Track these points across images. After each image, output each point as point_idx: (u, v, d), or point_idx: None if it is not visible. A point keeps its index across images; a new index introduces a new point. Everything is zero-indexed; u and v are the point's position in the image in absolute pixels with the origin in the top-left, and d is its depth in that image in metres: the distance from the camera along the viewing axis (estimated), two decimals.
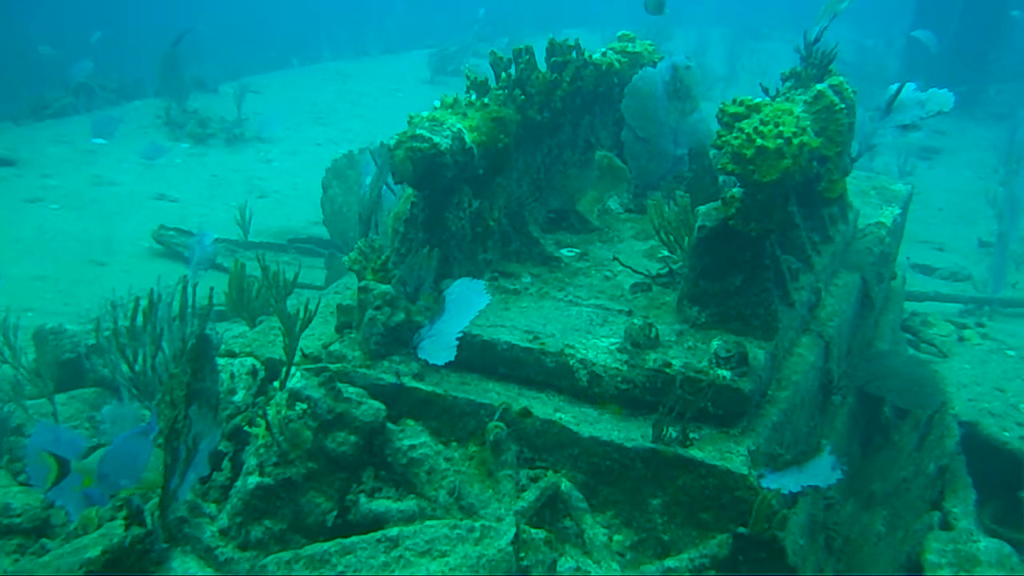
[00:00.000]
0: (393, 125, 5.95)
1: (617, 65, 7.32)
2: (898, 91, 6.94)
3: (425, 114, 5.45)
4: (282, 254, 10.96)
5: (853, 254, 7.38)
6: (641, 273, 5.88)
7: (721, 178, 5.95)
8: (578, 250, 6.46)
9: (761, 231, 5.08)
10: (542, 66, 6.47)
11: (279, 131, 15.41)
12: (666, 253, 6.11)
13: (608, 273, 6.12)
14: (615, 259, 6.00)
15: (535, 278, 6.01)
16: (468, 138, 5.41)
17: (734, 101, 5.35)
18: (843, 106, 5.94)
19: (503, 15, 26.71)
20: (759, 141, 4.79)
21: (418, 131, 5.25)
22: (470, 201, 5.72)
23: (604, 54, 7.36)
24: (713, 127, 7.13)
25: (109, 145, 14.00)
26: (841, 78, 6.62)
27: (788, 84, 6.84)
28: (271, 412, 4.76)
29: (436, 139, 5.24)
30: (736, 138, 4.89)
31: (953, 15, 23.07)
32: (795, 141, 4.82)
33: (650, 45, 7.89)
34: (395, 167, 5.23)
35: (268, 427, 4.63)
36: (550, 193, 6.59)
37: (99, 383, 7.53)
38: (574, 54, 6.72)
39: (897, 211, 8.46)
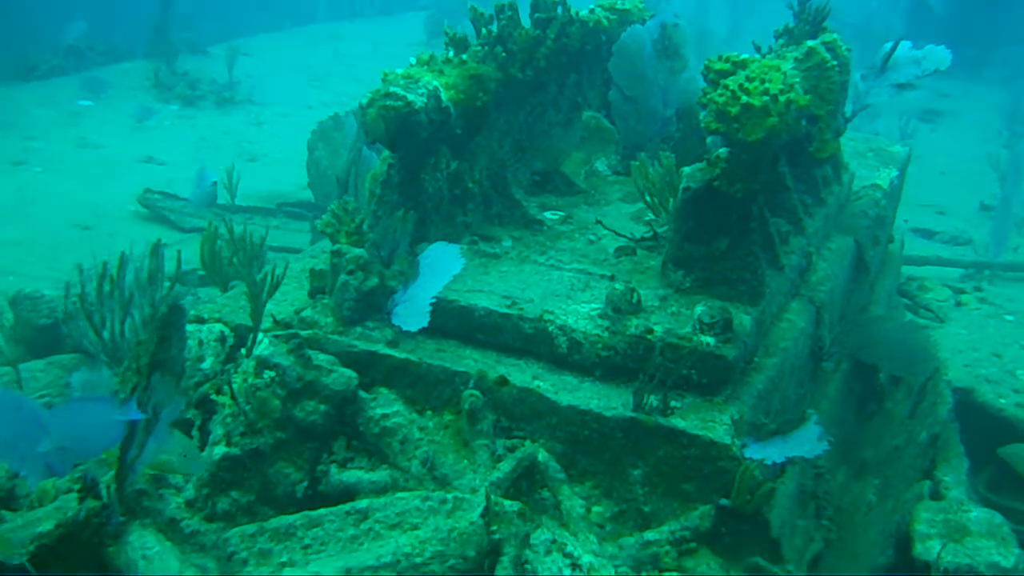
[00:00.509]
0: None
1: (605, 23, 7.10)
2: (892, 49, 6.72)
3: (400, 71, 5.25)
4: (271, 218, 10.78)
5: (847, 217, 7.19)
6: (625, 236, 5.70)
7: (709, 139, 5.76)
8: (562, 213, 6.27)
9: (747, 192, 4.90)
10: (526, 23, 6.27)
11: (271, 93, 15.17)
12: (652, 216, 5.93)
13: (592, 237, 5.94)
14: (598, 222, 5.81)
15: (516, 241, 5.83)
16: (444, 96, 5.21)
17: (720, 57, 5.15)
18: (835, 63, 5.74)
19: None
20: (744, 98, 4.59)
21: (391, 89, 5.06)
22: (448, 162, 5.53)
23: (592, 11, 7.14)
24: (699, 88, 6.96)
25: (96, 107, 13.79)
26: (835, 35, 6.41)
27: (780, 42, 6.63)
28: (238, 380, 4.61)
29: (410, 97, 5.05)
30: (721, 95, 4.70)
31: None
32: (782, 98, 4.62)
33: (640, 2, 7.66)
34: (367, 126, 5.04)
35: (233, 396, 4.48)
36: (533, 154, 6.40)
37: (77, 349, 7.37)
38: (559, 10, 6.50)
39: (894, 173, 8.26)
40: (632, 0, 7.61)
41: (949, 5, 21.34)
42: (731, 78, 4.84)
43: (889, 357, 6.25)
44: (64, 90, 14.55)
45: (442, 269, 4.95)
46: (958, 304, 8.77)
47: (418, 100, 5.05)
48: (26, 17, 20.56)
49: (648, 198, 5.52)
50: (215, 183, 8.60)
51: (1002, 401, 6.85)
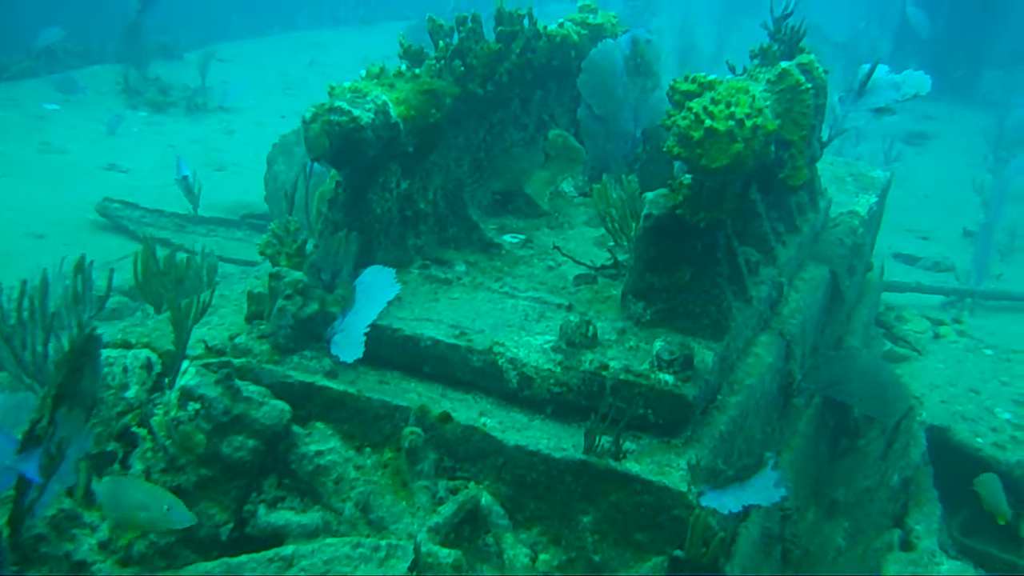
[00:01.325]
0: None
1: (576, 37, 6.81)
2: (870, 72, 6.45)
3: (347, 84, 4.96)
4: (235, 230, 10.46)
5: (823, 245, 6.92)
6: (584, 265, 5.39)
7: (677, 162, 5.48)
8: (523, 236, 5.98)
9: (712, 221, 4.61)
10: (492, 36, 5.99)
11: (244, 101, 14.81)
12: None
13: (552, 263, 5.64)
14: (555, 248, 5.51)
15: (471, 266, 5.53)
16: (394, 112, 4.91)
17: (686, 78, 4.87)
18: (809, 86, 5.46)
19: None
20: (708, 122, 4.30)
21: (337, 103, 4.76)
22: (398, 181, 5.23)
23: (561, 25, 6.86)
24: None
25: (62, 111, 13.43)
26: (811, 56, 6.13)
27: (756, 62, 6.35)
28: (159, 413, 4.29)
29: (356, 112, 4.74)
30: (684, 118, 4.41)
31: None
32: (748, 123, 4.34)
33: (613, 17, 7.38)
34: (310, 142, 4.74)
35: (151, 431, 4.16)
36: (492, 174, 6.10)
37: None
38: (526, 23, 6.22)
39: (873, 199, 8.00)
40: (605, 14, 7.34)
41: (935, 27, 21.13)
42: (696, 100, 4.55)
43: (860, 396, 5.97)
44: (32, 93, 14.18)
45: (376, 295, 4.65)
46: (937, 336, 8.48)
47: (365, 116, 4.75)
48: (3, 19, 20.23)
49: (609, 224, 5.22)
50: (186, 177, 8.32)
51: (979, 440, 6.56)
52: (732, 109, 4.33)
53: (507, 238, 5.90)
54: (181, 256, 8.48)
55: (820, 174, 7.05)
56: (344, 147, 4.73)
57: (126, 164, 11.94)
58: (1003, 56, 23.42)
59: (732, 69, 6.47)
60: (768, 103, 4.94)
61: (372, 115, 4.78)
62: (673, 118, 4.62)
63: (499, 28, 5.95)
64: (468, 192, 5.84)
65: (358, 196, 5.06)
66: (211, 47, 17.54)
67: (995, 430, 6.68)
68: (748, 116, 4.38)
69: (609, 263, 5.35)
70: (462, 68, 5.49)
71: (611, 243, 5.68)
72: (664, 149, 4.49)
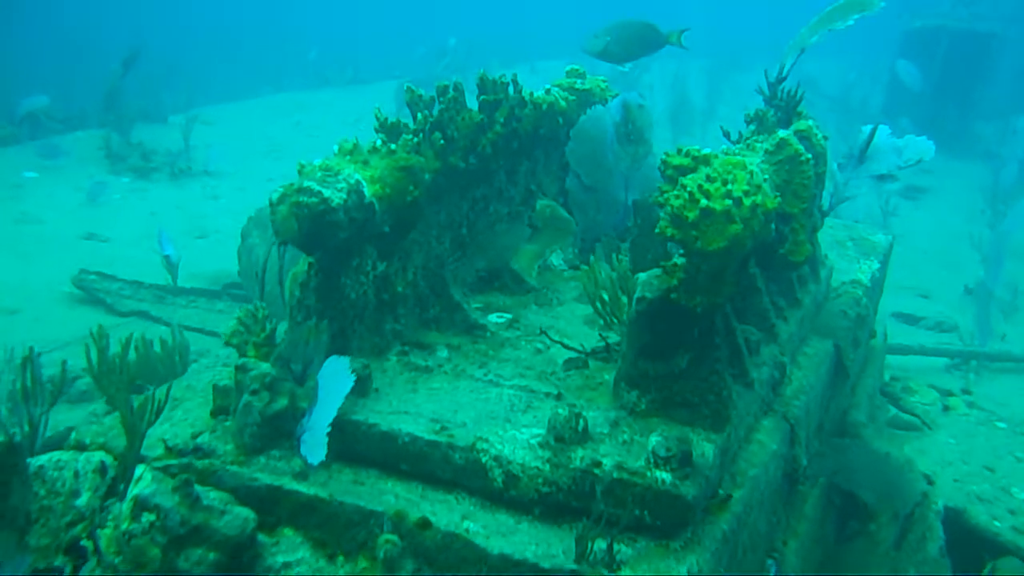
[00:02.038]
0: None
1: (563, 104, 6.54)
2: (871, 136, 6.17)
3: (317, 162, 4.65)
4: (216, 301, 10.13)
5: (826, 317, 6.59)
6: (574, 349, 5.05)
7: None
8: (509, 316, 5.64)
9: (709, 306, 4.28)
10: (475, 104, 5.71)
11: (229, 165, 14.53)
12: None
13: (540, 345, 5.30)
14: (543, 333, 5.17)
15: (454, 351, 5.19)
16: (368, 191, 4.60)
17: (679, 151, 4.57)
18: (809, 156, 5.16)
19: (478, 45, 26.01)
20: (704, 201, 3.99)
21: (306, 183, 4.45)
22: (374, 263, 4.91)
23: (548, 91, 6.59)
24: None
25: (41, 179, 13.13)
26: (810, 122, 5.85)
27: (751, 128, 6.08)
28: (109, 526, 3.93)
29: (327, 193, 4.43)
30: (677, 197, 4.10)
31: (939, 50, 22.46)
32: (747, 202, 4.03)
33: (602, 82, 7.12)
34: (277, 226, 4.42)
35: (96, 549, 3.79)
36: (475, 252, 5.78)
37: None
38: (511, 90, 5.94)
39: (876, 266, 7.69)
40: (593, 79, 7.07)
41: (928, 79, 21.00)
42: (691, 176, 4.25)
43: (869, 485, 5.61)
44: (12, 161, 13.87)
45: (333, 390, 4.30)
46: (946, 409, 8.12)
47: (336, 196, 4.44)
48: None
49: (599, 306, 4.89)
50: (168, 256, 7.94)
51: (997, 524, 6.18)
52: (729, 187, 4.03)
53: (492, 318, 5.57)
54: (153, 335, 8.18)
55: (820, 239, 6.75)
56: (314, 230, 4.41)
57: (106, 233, 11.62)
58: (996, 107, 23.29)
59: (727, 135, 6.20)
60: (767, 177, 4.64)
61: (344, 195, 4.47)
62: (666, 195, 4.31)
63: (482, 97, 5.67)
64: (451, 270, 5.52)
65: (330, 281, 4.74)
66: (195, 110, 17.31)
67: (1013, 512, 6.31)
68: (746, 194, 4.07)
69: (600, 347, 5.01)
70: (442, 141, 5.20)
71: (602, 322, 5.35)
72: (656, 230, 4.17)
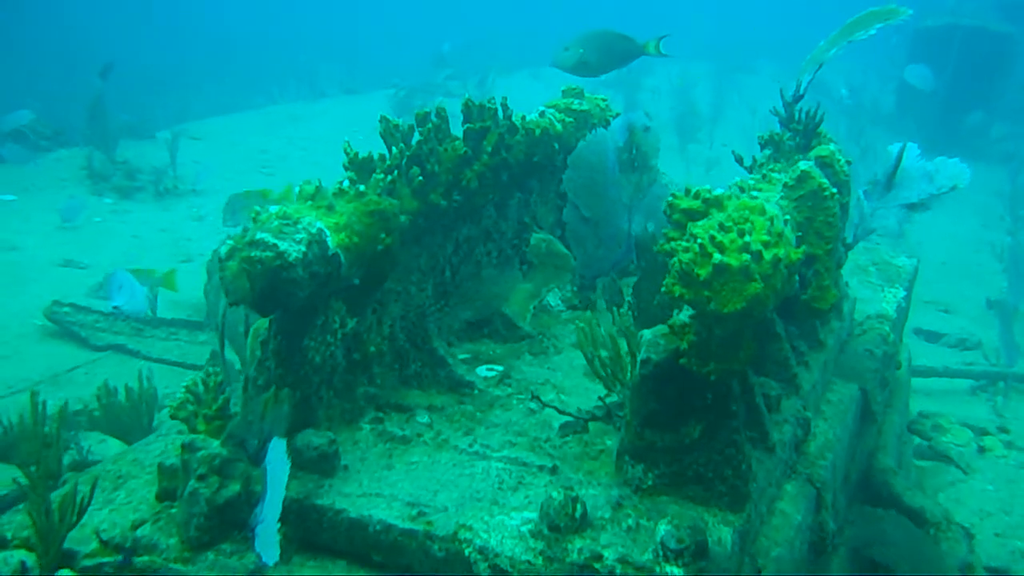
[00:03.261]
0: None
1: (559, 127, 5.97)
2: (898, 159, 5.58)
3: (275, 209, 4.06)
4: (198, 333, 9.56)
5: (850, 357, 6.00)
6: (569, 415, 4.45)
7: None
8: (500, 368, 5.06)
9: (723, 373, 3.70)
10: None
11: (217, 183, 13.88)
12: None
13: (534, 405, 4.71)
14: (535, 398, 4.57)
15: (436, 414, 4.60)
16: (332, 241, 4.02)
17: (688, 192, 3.98)
18: (834, 191, 4.58)
19: (478, 50, 25.45)
20: (717, 256, 3.40)
21: (259, 235, 3.86)
22: (343, 320, 4.33)
23: (542, 114, 6.01)
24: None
25: (19, 202, 12.53)
26: (832, 146, 5.26)
27: (767, 152, 5.50)
28: None
29: (283, 246, 3.85)
30: (686, 251, 3.51)
31: (952, 49, 21.82)
32: (767, 255, 3.44)
33: (602, 100, 6.54)
34: (227, 284, 3.84)
35: None
36: (459, 301, 5.20)
37: None
38: (500, 114, 5.37)
39: (901, 294, 7.10)
40: (592, 99, 6.50)
41: (940, 80, 20.37)
42: (701, 223, 3.67)
43: (906, 560, 5.02)
44: None
45: (276, 476, 3.73)
46: (981, 450, 7.51)
47: (294, 250, 3.85)
48: None
49: (599, 368, 4.29)
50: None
51: None
52: (746, 238, 3.44)
53: (481, 372, 4.99)
54: (130, 372, 7.62)
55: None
56: (269, 290, 3.83)
57: (85, 259, 11.04)
58: (1013, 108, 22.65)
59: (739, 160, 5.62)
60: (787, 217, 4.05)
61: (303, 248, 3.89)
62: (673, 244, 3.74)
63: (466, 125, 5.09)
64: (433, 321, 4.93)
65: (292, 344, 4.16)
66: (184, 125, 16.71)
67: None
68: (767, 245, 3.49)
69: (600, 411, 4.41)
70: (420, 178, 4.62)
71: (605, 378, 4.76)
72: (663, 289, 3.58)
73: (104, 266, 10.94)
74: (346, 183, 4.33)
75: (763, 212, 3.69)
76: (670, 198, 3.97)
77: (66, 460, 6.52)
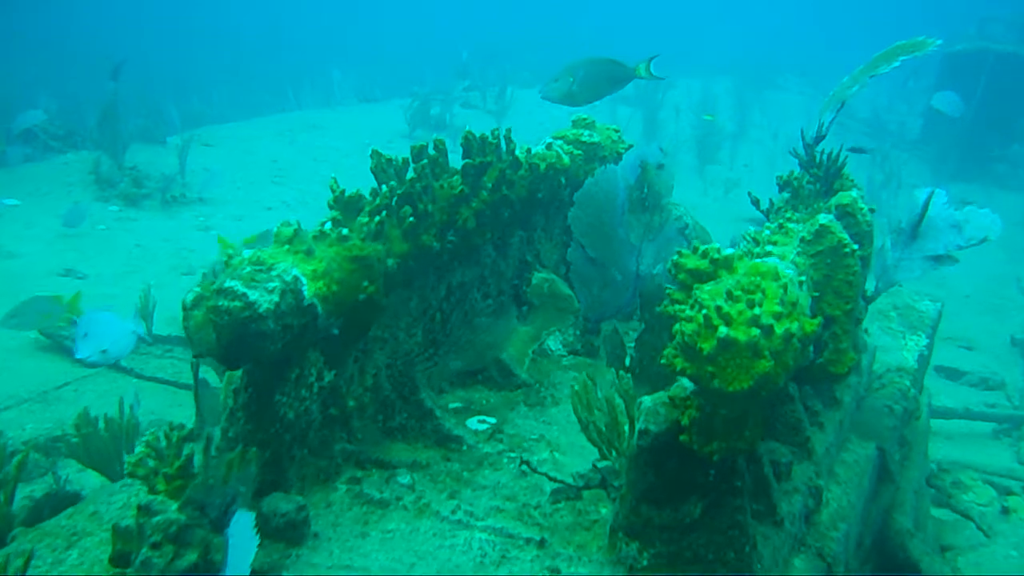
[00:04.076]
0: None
1: (567, 160, 5.66)
2: (925, 207, 5.25)
3: (248, 253, 3.76)
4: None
5: (868, 414, 5.66)
6: (561, 482, 4.13)
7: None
8: (492, 421, 4.74)
9: (728, 453, 3.38)
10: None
11: (226, 191, 13.62)
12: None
13: (526, 467, 4.38)
14: (524, 463, 4.25)
15: (420, 472, 4.28)
16: (309, 290, 3.72)
17: (695, 250, 3.66)
18: (855, 247, 4.25)
19: (500, 58, 25.17)
20: (723, 330, 3.08)
21: (228, 283, 3.56)
22: (320, 373, 4.02)
23: (549, 146, 5.71)
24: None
25: (23, 207, 12.30)
26: (854, 193, 4.93)
27: (785, 196, 5.18)
28: None
29: (253, 296, 3.55)
30: (689, 320, 3.19)
31: (981, 75, 21.39)
32: (779, 329, 3.11)
33: (614, 132, 6.23)
34: (192, 334, 3.55)
35: None
36: (449, 350, 4.88)
37: None
38: (503, 146, 5.07)
39: (923, 342, 6.75)
40: (605, 129, 6.19)
41: (968, 107, 19.92)
42: (708, 288, 3.35)
43: None
44: None
45: (239, 544, 3.42)
46: (1005, 511, 7.12)
47: (265, 300, 3.55)
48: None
49: (593, 433, 3.97)
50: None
51: None
52: (756, 310, 3.11)
53: (472, 424, 4.68)
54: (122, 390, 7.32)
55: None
56: (236, 342, 3.53)
57: (85, 268, 10.78)
58: None
59: (756, 203, 5.31)
60: (803, 278, 3.72)
61: (276, 298, 3.59)
62: (675, 308, 3.42)
63: (465, 161, 4.78)
64: (421, 370, 4.62)
65: (263, 398, 3.86)
66: (198, 130, 16.44)
67: None
68: (778, 317, 3.16)
69: (595, 478, 4.09)
70: (412, 219, 4.31)
71: (601, 445, 4.43)
72: (663, 361, 3.26)
73: (105, 276, 10.69)
74: (328, 225, 4.03)
75: (776, 277, 3.37)
76: (675, 257, 3.65)
77: (42, 490, 6.28)
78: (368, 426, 4.39)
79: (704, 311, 3.16)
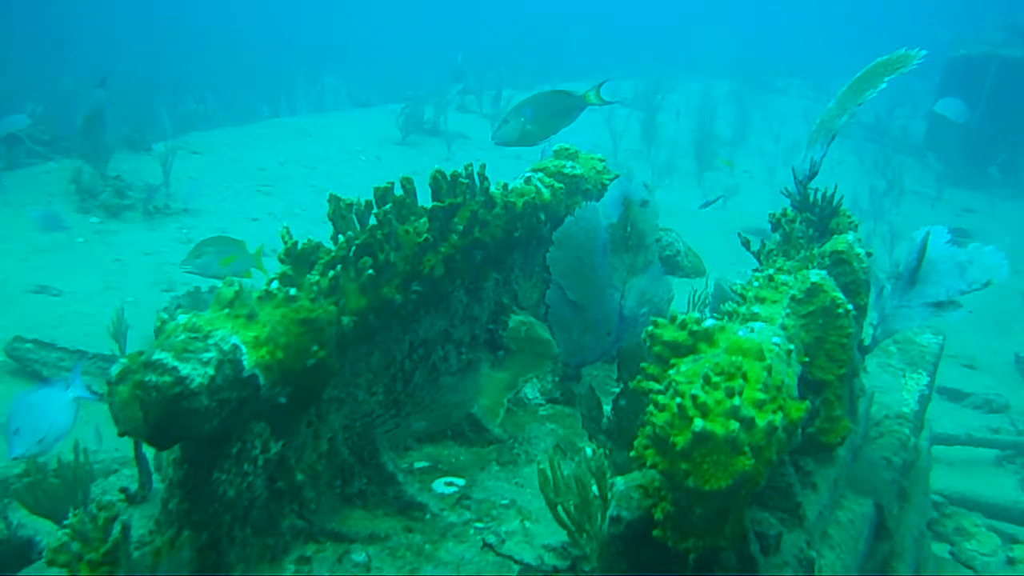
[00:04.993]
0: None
1: (547, 195, 5.34)
2: (923, 246, 4.91)
3: (183, 319, 3.43)
4: None
5: (864, 467, 5.32)
6: (526, 564, 3.80)
7: None
8: (460, 483, 4.41)
9: (706, 551, 3.05)
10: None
11: (211, 202, 13.22)
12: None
13: (494, 535, 4.06)
14: (487, 546, 3.92)
15: (377, 546, 3.95)
16: (249, 359, 3.38)
17: (673, 319, 3.33)
18: (850, 308, 3.91)
19: (497, 62, 24.81)
20: (699, 423, 2.75)
21: (156, 355, 3.23)
22: (265, 444, 3.69)
23: (528, 180, 5.38)
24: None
25: None
26: (850, 237, 4.60)
27: (776, 237, 4.85)
28: None
29: (185, 369, 3.21)
30: (662, 409, 2.86)
31: (986, 79, 21.02)
32: (761, 422, 2.78)
33: (599, 162, 5.91)
34: (116, 412, 3.22)
35: None
36: (412, 410, 4.55)
37: None
38: (476, 183, 4.74)
39: (924, 380, 6.42)
40: (588, 159, 5.87)
41: (973, 113, 19.56)
42: (685, 370, 3.02)
43: None
44: None
45: None
46: (1010, 561, 6.78)
47: (198, 374, 3.22)
48: None
49: (563, 515, 3.63)
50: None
51: None
52: (736, 400, 2.78)
53: (438, 487, 4.35)
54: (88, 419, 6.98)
55: None
56: (166, 422, 3.20)
57: (60, 285, 10.42)
58: None
59: (746, 244, 4.99)
60: (792, 347, 3.39)
61: (211, 371, 3.25)
62: (649, 384, 3.09)
63: (433, 204, 4.45)
64: (381, 431, 4.29)
65: (199, 476, 3.53)
66: (185, 137, 16.04)
67: None
68: (761, 406, 2.83)
69: (564, 566, 3.76)
70: (371, 271, 3.98)
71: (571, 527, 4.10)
72: (632, 454, 2.93)
73: (80, 294, 10.35)
74: (275, 284, 3.69)
75: (760, 356, 3.04)
76: (650, 328, 3.32)
77: None
78: (324, 493, 4.06)
79: (678, 399, 2.83)
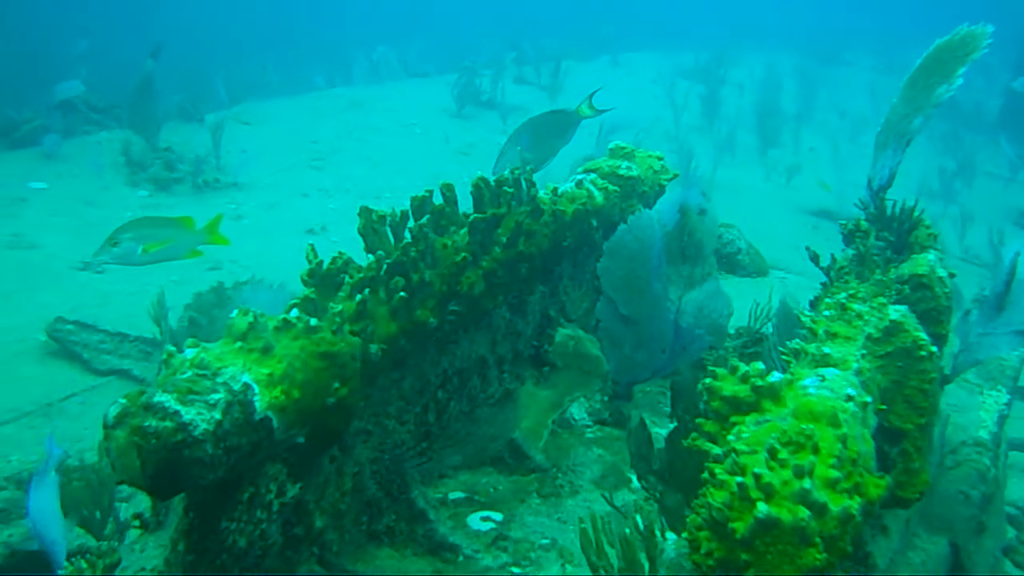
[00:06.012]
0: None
1: (599, 198, 4.96)
2: (1012, 270, 4.47)
3: (191, 354, 3.11)
4: None
5: (939, 501, 4.90)
6: None
7: None
8: (499, 518, 4.08)
9: None
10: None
11: (262, 175, 12.94)
12: None
13: None
14: None
15: None
16: (262, 401, 3.05)
17: (734, 370, 2.95)
18: (933, 349, 3.50)
19: (553, 32, 24.28)
20: (762, 507, 2.38)
21: (158, 397, 2.92)
22: (281, 488, 3.38)
23: (579, 183, 4.99)
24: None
25: (49, 190, 11.78)
26: (931, 257, 4.16)
27: (850, 254, 4.42)
28: None
29: (188, 414, 2.89)
30: (719, 487, 2.49)
31: None
32: (834, 507, 2.40)
33: (656, 159, 5.50)
34: (113, 459, 2.92)
35: None
36: (445, 444, 4.21)
37: None
38: (523, 189, 4.38)
39: (1004, 399, 5.94)
40: (645, 158, 5.46)
41: None
42: (747, 438, 2.64)
43: None
44: (23, 165, 12.51)
45: None
46: None
47: (202, 419, 2.90)
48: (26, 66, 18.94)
49: (603, 572, 3.28)
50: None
51: None
52: (804, 481, 2.40)
53: (474, 523, 4.02)
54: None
55: None
56: (165, 472, 2.89)
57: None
58: None
59: (815, 259, 4.56)
60: (868, 399, 2.99)
61: (218, 415, 2.93)
62: (705, 444, 2.72)
63: (474, 216, 4.09)
64: (412, 464, 3.97)
65: (206, 525, 3.22)
66: (238, 108, 15.76)
67: None
68: (834, 486, 2.45)
69: None
70: (403, 293, 3.64)
71: None
72: (685, 535, 2.57)
73: (123, 272, 10.13)
74: (295, 312, 3.36)
75: (834, 422, 2.65)
76: (708, 380, 2.95)
77: (20, 534, 5.83)
78: (348, 531, 3.75)
79: (739, 478, 2.46)
